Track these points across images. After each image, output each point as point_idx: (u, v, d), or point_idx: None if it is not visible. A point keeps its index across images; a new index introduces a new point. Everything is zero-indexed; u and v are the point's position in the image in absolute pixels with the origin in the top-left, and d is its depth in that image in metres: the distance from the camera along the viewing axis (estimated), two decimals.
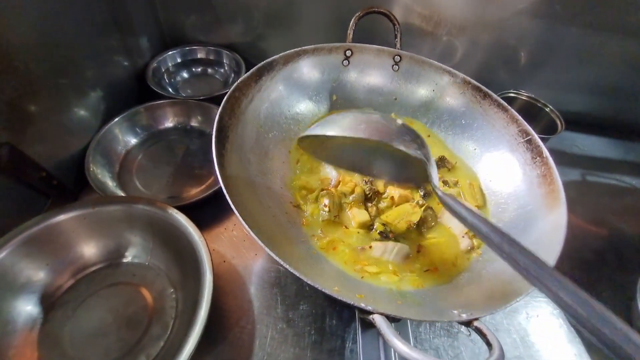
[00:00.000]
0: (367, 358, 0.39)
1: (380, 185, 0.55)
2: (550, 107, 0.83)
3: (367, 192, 0.53)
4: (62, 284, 0.48)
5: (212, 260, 0.45)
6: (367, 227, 0.51)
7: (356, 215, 0.50)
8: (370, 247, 0.48)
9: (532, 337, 0.53)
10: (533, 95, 0.85)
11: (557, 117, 0.81)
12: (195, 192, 0.62)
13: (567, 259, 0.66)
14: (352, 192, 0.53)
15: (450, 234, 0.51)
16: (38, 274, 0.46)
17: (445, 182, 0.58)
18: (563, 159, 0.88)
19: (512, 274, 0.41)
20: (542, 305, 0.57)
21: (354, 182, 0.54)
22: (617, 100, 0.93)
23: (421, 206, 0.53)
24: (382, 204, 0.53)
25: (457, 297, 0.40)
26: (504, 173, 0.55)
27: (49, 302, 0.46)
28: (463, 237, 0.50)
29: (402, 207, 0.52)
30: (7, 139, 0.47)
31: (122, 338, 0.45)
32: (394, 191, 0.53)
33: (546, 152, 0.51)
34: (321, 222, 0.50)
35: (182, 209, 0.49)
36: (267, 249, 0.33)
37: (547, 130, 0.82)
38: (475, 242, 0.51)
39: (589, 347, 0.53)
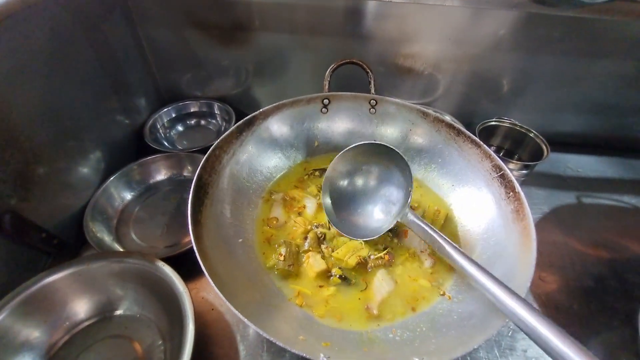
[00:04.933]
0: None
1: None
2: (534, 132, 0.83)
3: (319, 235, 0.55)
4: (58, 340, 0.50)
5: (195, 311, 0.46)
6: (326, 275, 0.51)
7: (313, 265, 0.51)
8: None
9: None
10: (516, 122, 0.85)
11: (542, 141, 0.81)
12: (188, 240, 0.65)
13: (565, 288, 0.65)
14: (306, 237, 0.55)
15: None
16: (35, 333, 0.48)
17: None
18: (556, 182, 0.86)
19: (482, 316, 0.41)
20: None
21: (304, 226, 0.56)
22: (609, 117, 0.92)
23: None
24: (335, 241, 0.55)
25: (425, 344, 0.40)
26: (481, 209, 0.56)
27: (46, 359, 0.48)
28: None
29: (351, 242, 0.53)
30: (10, 207, 0.51)
31: None
32: None
33: (518, 187, 0.51)
34: (277, 271, 0.51)
35: (175, 258, 0.52)
36: (227, 302, 0.35)
37: (534, 155, 0.82)
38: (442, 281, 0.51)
39: None
